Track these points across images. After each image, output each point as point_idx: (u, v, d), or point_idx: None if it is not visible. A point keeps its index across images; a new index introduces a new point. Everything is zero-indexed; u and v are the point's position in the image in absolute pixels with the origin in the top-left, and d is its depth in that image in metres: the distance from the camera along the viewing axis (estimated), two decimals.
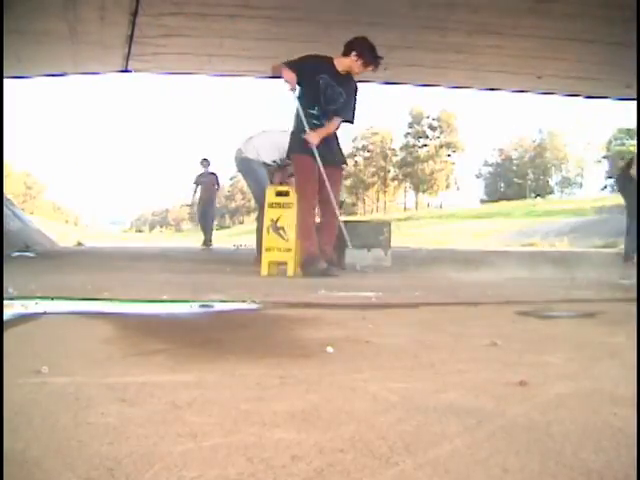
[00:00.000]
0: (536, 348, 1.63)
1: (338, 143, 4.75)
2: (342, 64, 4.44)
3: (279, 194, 4.56)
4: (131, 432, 0.91)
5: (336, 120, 4.54)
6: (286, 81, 4.36)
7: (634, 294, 2.95)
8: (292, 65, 4.36)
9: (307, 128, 4.42)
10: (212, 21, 8.03)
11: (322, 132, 4.46)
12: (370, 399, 1.11)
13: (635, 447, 0.86)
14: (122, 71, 9.88)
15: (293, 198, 4.52)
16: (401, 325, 2.08)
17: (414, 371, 1.36)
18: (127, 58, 9.21)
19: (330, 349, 1.54)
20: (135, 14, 7.48)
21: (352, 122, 4.66)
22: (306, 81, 4.40)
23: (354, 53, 4.38)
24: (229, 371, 1.32)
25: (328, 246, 4.51)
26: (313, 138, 4.41)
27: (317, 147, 4.39)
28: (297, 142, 4.50)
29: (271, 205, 4.55)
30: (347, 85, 4.53)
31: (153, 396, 1.11)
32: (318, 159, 4.41)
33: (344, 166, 4.97)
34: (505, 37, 7.59)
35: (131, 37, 8.30)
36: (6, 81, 8.42)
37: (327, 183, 4.40)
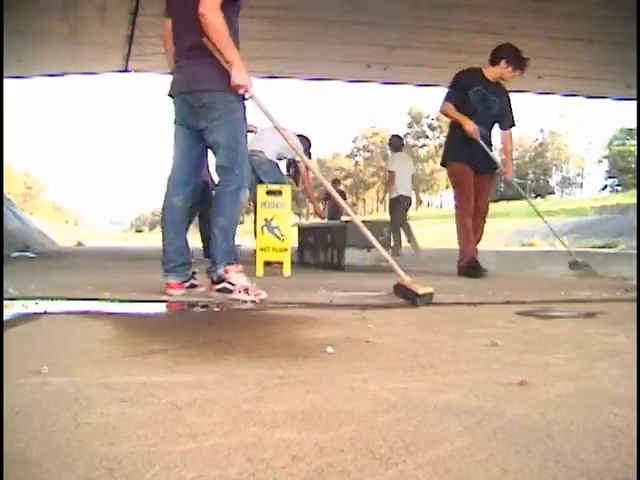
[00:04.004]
0: (536, 348, 1.63)
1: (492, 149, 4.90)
2: (492, 73, 4.59)
3: (270, 193, 4.56)
4: (131, 432, 0.91)
5: (508, 133, 4.79)
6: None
7: (634, 294, 2.95)
8: (451, 95, 4.55)
9: (500, 165, 4.73)
10: None
11: (511, 157, 4.88)
12: (370, 399, 1.11)
13: (635, 447, 0.86)
14: (122, 71, 9.89)
15: (287, 197, 4.52)
16: (401, 325, 2.08)
17: (414, 371, 1.36)
18: (127, 58, 9.21)
19: (330, 349, 1.54)
20: (135, 14, 7.49)
21: (515, 125, 4.83)
22: (460, 98, 4.53)
23: (503, 61, 4.53)
24: (229, 371, 1.32)
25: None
26: (510, 174, 4.81)
27: (474, 154, 4.52)
28: (453, 150, 4.71)
29: (263, 204, 4.55)
30: (499, 93, 4.66)
31: (153, 396, 1.11)
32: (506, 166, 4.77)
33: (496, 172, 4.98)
34: (505, 37, 7.57)
35: (131, 37, 8.30)
36: (6, 81, 8.42)
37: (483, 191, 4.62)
